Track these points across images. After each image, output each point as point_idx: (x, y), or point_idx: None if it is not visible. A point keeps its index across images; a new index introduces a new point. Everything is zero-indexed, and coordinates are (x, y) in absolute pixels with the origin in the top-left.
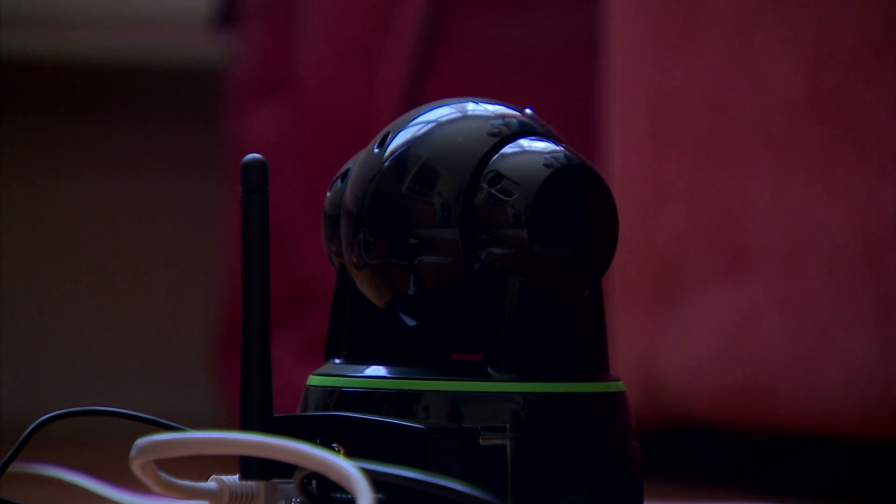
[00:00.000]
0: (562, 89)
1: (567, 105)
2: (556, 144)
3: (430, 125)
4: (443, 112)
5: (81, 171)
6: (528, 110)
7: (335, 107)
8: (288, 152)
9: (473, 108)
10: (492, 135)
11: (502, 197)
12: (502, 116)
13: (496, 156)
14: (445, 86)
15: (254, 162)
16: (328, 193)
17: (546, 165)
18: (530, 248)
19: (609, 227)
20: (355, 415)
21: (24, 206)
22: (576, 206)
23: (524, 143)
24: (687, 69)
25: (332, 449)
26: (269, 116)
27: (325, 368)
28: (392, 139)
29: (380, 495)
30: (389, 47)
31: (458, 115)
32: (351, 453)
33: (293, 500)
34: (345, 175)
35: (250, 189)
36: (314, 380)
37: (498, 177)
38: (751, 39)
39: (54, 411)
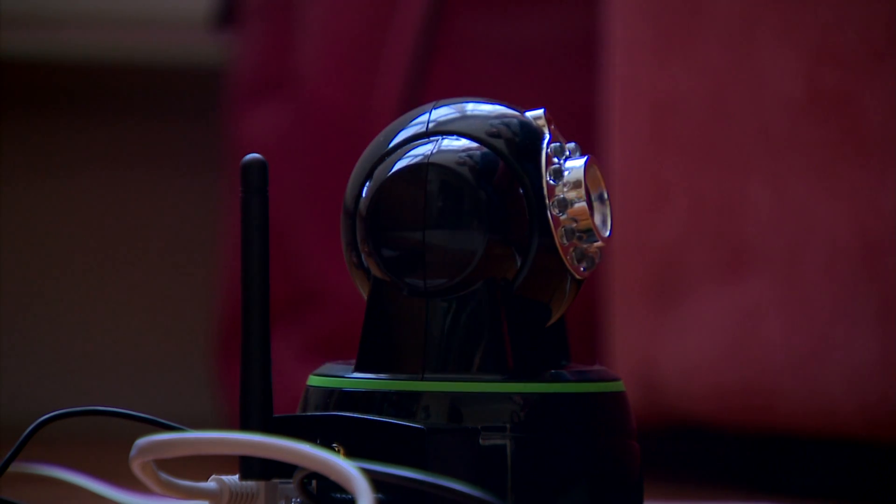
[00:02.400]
0: (562, 89)
1: (567, 105)
2: (473, 142)
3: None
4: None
5: (81, 171)
6: (539, 111)
7: (335, 106)
8: (288, 152)
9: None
10: (403, 135)
11: (362, 196)
12: (437, 118)
13: (391, 156)
14: (445, 86)
15: (254, 162)
16: None
17: (399, 164)
18: (368, 246)
19: (471, 225)
20: (355, 415)
21: (24, 206)
22: (421, 205)
23: (429, 141)
24: (687, 69)
25: (332, 449)
26: (269, 116)
27: (324, 369)
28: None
29: (380, 495)
30: (389, 47)
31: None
32: (351, 453)
33: (293, 500)
34: None
35: (250, 189)
36: (314, 380)
37: (369, 177)
38: (751, 40)
39: (54, 411)
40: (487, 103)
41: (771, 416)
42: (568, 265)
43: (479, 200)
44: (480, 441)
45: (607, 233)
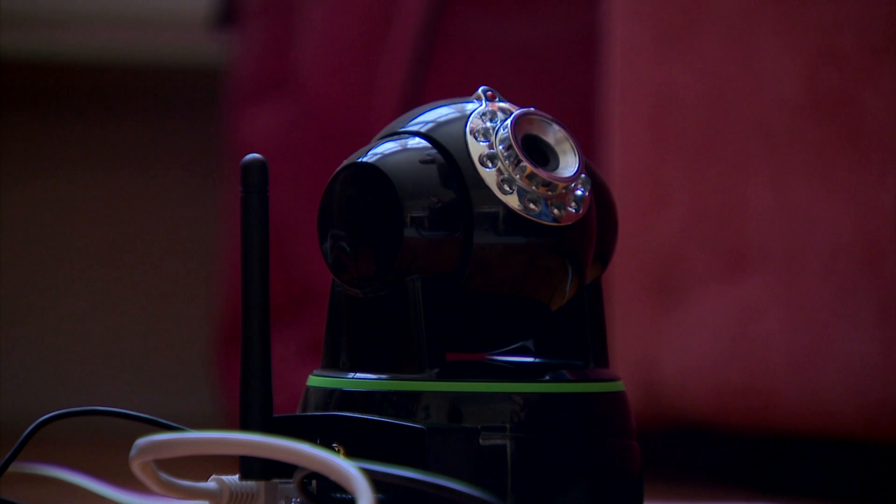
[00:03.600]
0: (562, 89)
1: (567, 105)
2: (409, 138)
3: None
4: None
5: (81, 171)
6: (480, 89)
7: (335, 106)
8: (288, 152)
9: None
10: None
11: None
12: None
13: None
14: (445, 86)
15: (254, 162)
16: None
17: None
18: (320, 246)
19: (389, 225)
20: (355, 415)
21: (24, 206)
22: (354, 206)
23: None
24: (687, 69)
25: (332, 449)
26: (269, 116)
27: (324, 368)
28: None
29: (380, 495)
30: (389, 47)
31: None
32: (351, 453)
33: (293, 500)
34: None
35: (250, 189)
36: (314, 380)
37: None
38: (751, 39)
39: (54, 411)
40: (438, 103)
41: (771, 416)
42: (524, 215)
43: (391, 197)
44: (480, 441)
45: (571, 171)
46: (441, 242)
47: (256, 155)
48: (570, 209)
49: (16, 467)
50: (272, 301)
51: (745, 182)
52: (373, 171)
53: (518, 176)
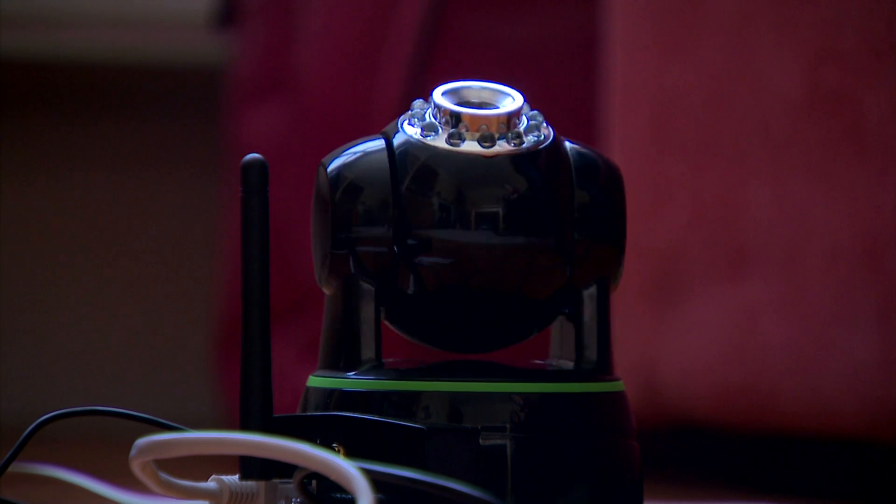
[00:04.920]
0: (562, 89)
1: (567, 104)
2: (372, 141)
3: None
4: None
5: (81, 170)
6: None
7: (335, 107)
8: (288, 152)
9: None
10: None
11: None
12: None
13: None
14: None
15: (254, 162)
16: None
17: None
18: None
19: (326, 224)
20: (355, 415)
21: (24, 206)
22: (317, 205)
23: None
24: (687, 69)
25: (332, 449)
26: (269, 116)
27: (324, 369)
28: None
29: (380, 495)
30: (389, 47)
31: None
32: (351, 453)
33: (293, 500)
34: None
35: (250, 189)
36: (314, 380)
37: None
38: (751, 39)
39: (54, 411)
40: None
41: (771, 416)
42: (447, 147)
43: (326, 200)
44: (480, 441)
45: (509, 108)
46: (374, 230)
47: (256, 155)
48: (507, 145)
49: (16, 467)
50: (272, 301)
51: (745, 182)
52: (321, 169)
53: (442, 123)
